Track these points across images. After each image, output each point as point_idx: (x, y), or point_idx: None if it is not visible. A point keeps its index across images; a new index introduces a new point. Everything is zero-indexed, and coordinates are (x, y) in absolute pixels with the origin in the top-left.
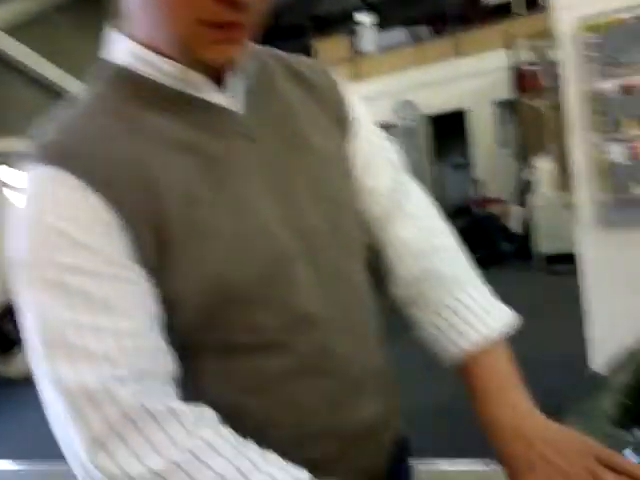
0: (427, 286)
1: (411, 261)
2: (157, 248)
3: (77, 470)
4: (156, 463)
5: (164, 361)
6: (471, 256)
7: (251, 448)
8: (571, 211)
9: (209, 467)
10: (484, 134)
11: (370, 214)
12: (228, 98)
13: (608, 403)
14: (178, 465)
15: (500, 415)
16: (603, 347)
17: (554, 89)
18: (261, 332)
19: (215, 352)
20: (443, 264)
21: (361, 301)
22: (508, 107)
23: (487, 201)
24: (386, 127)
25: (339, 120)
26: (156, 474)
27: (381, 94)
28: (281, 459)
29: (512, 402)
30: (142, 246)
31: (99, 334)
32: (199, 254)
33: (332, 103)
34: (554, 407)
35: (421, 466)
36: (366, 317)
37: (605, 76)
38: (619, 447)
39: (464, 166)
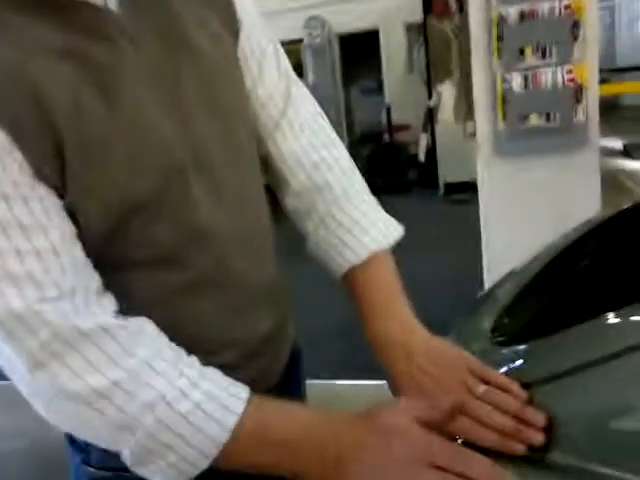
0: (316, 198)
1: (301, 173)
2: (55, 166)
3: (22, 388)
4: (97, 381)
5: (89, 276)
6: (378, 183)
7: (189, 364)
8: (472, 139)
9: (149, 385)
10: (395, 58)
11: (260, 124)
12: None
13: (487, 321)
14: (118, 383)
15: (387, 329)
16: (497, 271)
17: (462, 13)
18: (159, 247)
19: (115, 267)
20: (333, 176)
21: (257, 215)
22: (418, 30)
23: (396, 128)
24: (294, 45)
25: (228, 22)
26: (96, 391)
27: (290, 9)
28: (221, 375)
29: (398, 316)
30: (41, 164)
31: (20, 257)
32: (92, 173)
33: (220, 3)
34: (447, 327)
35: (315, 384)
36: (262, 231)
37: (507, 2)
38: (495, 363)
39: (375, 90)
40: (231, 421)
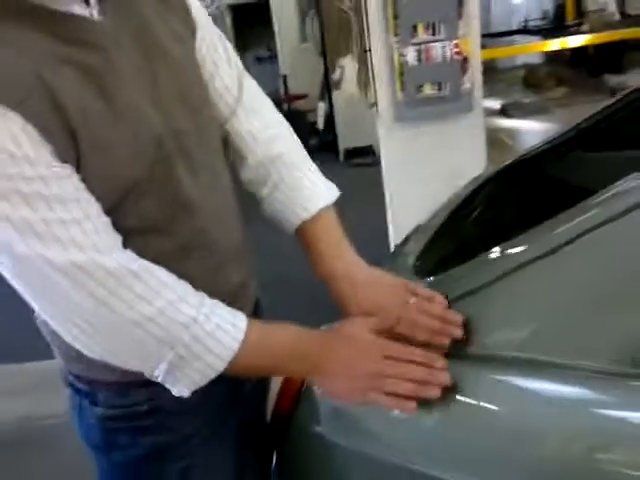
0: (270, 168)
1: (257, 149)
2: (73, 157)
3: (86, 328)
4: (146, 309)
5: (116, 234)
6: None
7: (204, 297)
8: (371, 108)
9: (184, 312)
10: (289, 28)
11: (219, 112)
12: (86, 9)
13: (408, 261)
14: (162, 311)
15: (334, 268)
16: (400, 225)
17: None
18: (151, 218)
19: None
20: (284, 149)
21: (226, 190)
22: (311, 2)
23: (294, 97)
24: None
25: (187, 23)
26: (145, 316)
27: None
28: (223, 305)
29: (343, 256)
30: (62, 151)
31: (64, 225)
32: (99, 163)
33: (179, 6)
34: None
35: None
36: (230, 203)
37: None
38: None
39: (269, 59)
40: (240, 334)
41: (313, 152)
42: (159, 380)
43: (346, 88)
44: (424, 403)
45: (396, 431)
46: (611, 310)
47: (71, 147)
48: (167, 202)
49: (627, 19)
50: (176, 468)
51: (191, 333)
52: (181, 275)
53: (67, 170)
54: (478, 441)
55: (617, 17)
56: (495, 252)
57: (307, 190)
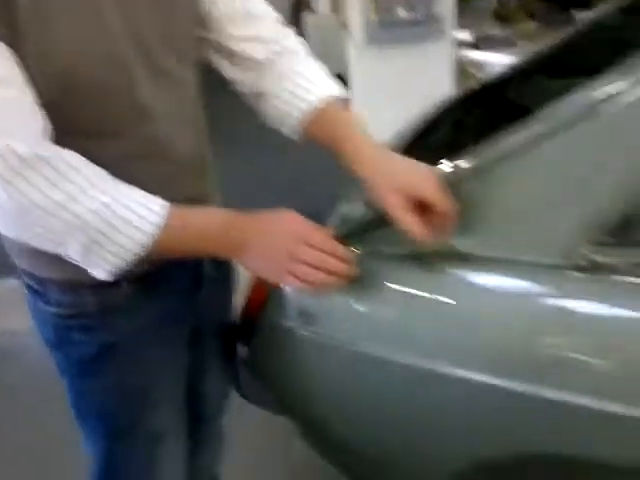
0: (276, 65)
1: (259, 48)
2: (9, 34)
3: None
4: (56, 195)
5: (42, 118)
6: None
7: (120, 182)
8: (344, 31)
9: (95, 197)
10: None
11: (211, 16)
12: None
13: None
14: (71, 196)
15: (362, 148)
16: None
17: None
18: (105, 119)
19: (67, 133)
20: (288, 46)
21: (190, 99)
22: None
23: None
24: None
25: None
26: (57, 203)
27: None
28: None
29: (366, 138)
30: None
31: None
32: (43, 49)
33: None
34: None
35: None
36: (192, 114)
37: None
38: None
39: None
40: (156, 218)
41: None
42: (76, 262)
43: (319, 7)
44: (380, 299)
45: (357, 321)
46: (557, 210)
47: (7, 26)
48: (123, 103)
49: None
50: (128, 363)
51: (103, 218)
52: (133, 181)
53: (1, 48)
54: (429, 329)
55: None
56: (453, 158)
57: (317, 78)
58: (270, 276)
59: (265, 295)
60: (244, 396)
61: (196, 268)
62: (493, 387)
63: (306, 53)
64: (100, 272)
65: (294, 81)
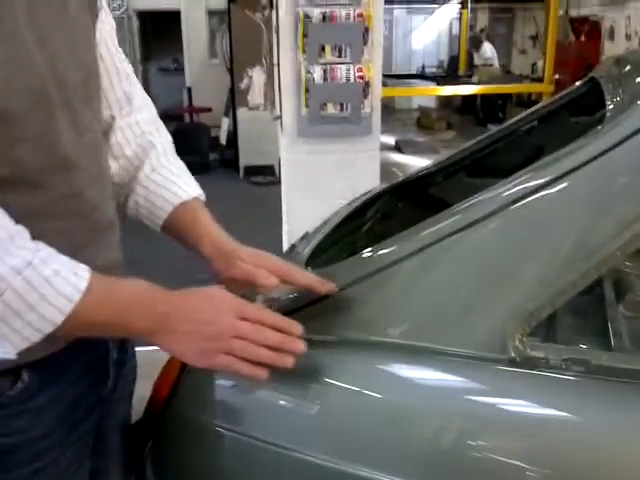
0: (142, 161)
1: (131, 139)
2: None
3: None
4: None
5: None
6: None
7: (42, 244)
8: (274, 125)
9: (15, 254)
10: (197, 41)
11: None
12: None
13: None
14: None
15: (216, 239)
16: (296, 238)
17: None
18: (22, 167)
19: None
20: (154, 141)
21: (105, 155)
22: (222, 17)
23: (198, 109)
24: None
25: (90, 4)
26: None
27: None
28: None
29: (217, 232)
30: None
31: None
32: None
33: None
34: None
35: None
36: (108, 173)
37: (312, 3)
38: None
39: (175, 71)
40: (82, 284)
41: (213, 167)
42: None
43: (253, 98)
44: (302, 391)
45: (278, 417)
46: (481, 299)
47: None
48: (43, 152)
49: (511, 76)
50: (24, 472)
51: (24, 278)
52: (45, 242)
53: None
54: (356, 427)
55: (501, 73)
56: (378, 247)
57: (178, 179)
58: (198, 358)
59: (175, 384)
60: None
61: (103, 352)
62: None
63: (172, 151)
64: (7, 348)
65: (156, 180)
